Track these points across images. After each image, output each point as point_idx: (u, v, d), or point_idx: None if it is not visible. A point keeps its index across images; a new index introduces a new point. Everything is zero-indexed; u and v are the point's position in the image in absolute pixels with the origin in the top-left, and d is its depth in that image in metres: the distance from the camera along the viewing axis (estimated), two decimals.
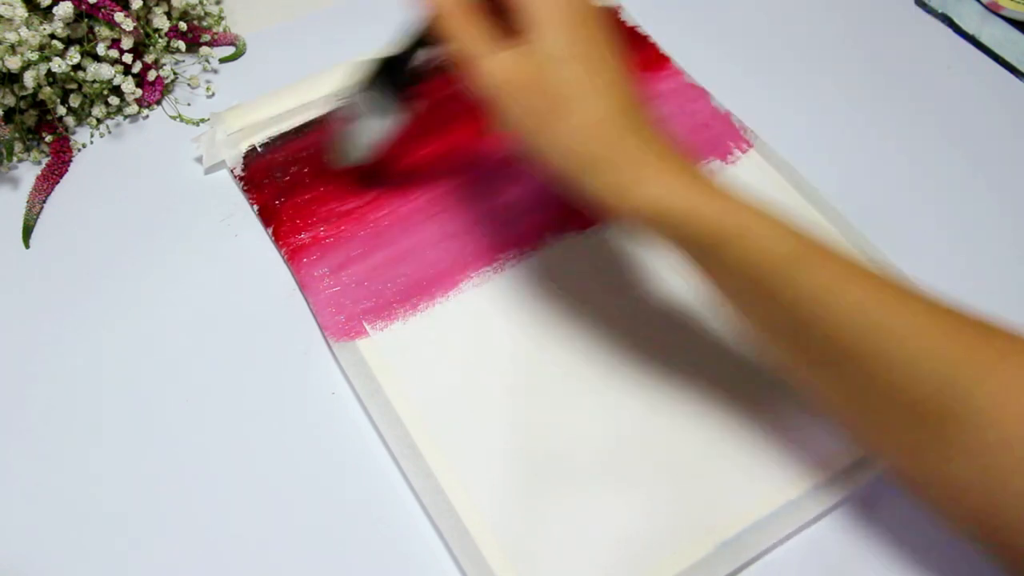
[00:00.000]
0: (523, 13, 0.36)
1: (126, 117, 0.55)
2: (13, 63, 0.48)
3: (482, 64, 0.36)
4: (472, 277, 0.47)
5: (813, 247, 0.34)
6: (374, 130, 0.46)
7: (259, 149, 0.52)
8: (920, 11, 0.62)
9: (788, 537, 0.40)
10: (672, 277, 0.47)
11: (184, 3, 0.56)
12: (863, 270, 0.35)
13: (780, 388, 0.44)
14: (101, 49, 0.52)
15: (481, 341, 0.45)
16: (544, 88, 0.36)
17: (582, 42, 0.36)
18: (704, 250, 0.35)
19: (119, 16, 0.51)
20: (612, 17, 0.59)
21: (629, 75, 0.37)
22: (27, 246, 0.49)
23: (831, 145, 0.54)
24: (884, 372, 0.33)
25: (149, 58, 0.54)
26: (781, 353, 0.38)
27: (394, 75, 0.44)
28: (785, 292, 0.34)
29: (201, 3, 0.58)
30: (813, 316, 0.34)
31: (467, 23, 0.37)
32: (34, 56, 0.49)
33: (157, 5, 0.55)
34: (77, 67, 0.52)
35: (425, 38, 0.42)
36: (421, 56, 0.43)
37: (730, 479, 0.41)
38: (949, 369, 0.33)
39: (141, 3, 0.52)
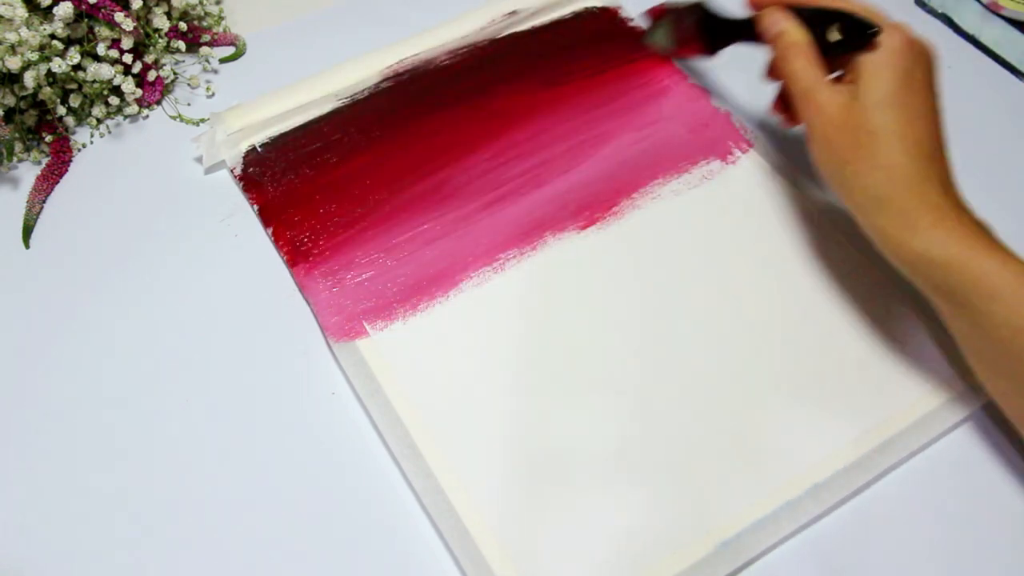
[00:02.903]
0: (860, 61, 0.42)
1: (126, 117, 0.55)
2: (13, 63, 0.48)
3: (819, 97, 0.42)
4: (472, 277, 0.47)
5: None
6: (678, 35, 0.55)
7: (259, 149, 0.52)
8: (920, 11, 0.62)
9: (788, 537, 0.40)
10: (672, 278, 0.47)
11: (184, 3, 0.56)
12: None
13: (780, 388, 0.44)
14: (101, 49, 0.52)
15: (481, 341, 0.45)
16: (861, 128, 0.40)
17: (905, 92, 0.41)
18: (973, 303, 0.37)
19: (119, 16, 0.51)
20: (612, 16, 0.59)
21: (939, 128, 0.42)
22: (27, 246, 0.49)
23: None
24: None
25: (149, 58, 0.54)
26: (1018, 419, 0.39)
27: (705, 22, 0.52)
28: None
29: (201, 3, 0.58)
30: None
31: (813, 60, 0.43)
32: (34, 56, 0.49)
33: (157, 5, 0.55)
34: (77, 67, 0.52)
35: (746, 31, 0.48)
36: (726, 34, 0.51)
37: (730, 479, 0.41)
38: None
39: (141, 3, 0.52)
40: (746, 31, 0.48)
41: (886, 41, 0.41)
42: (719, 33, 0.51)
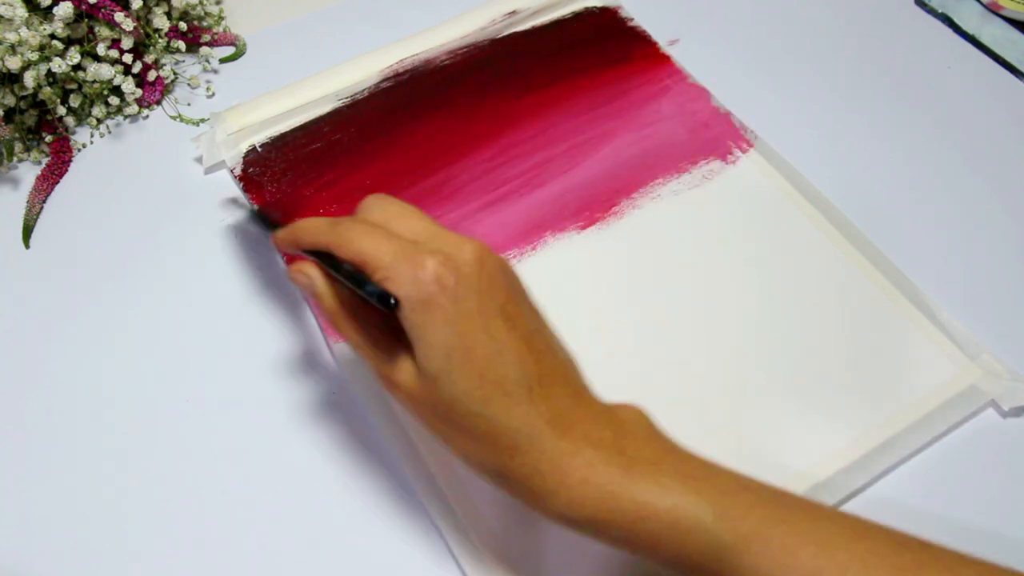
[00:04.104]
0: (405, 329, 0.33)
1: (126, 117, 0.55)
2: (13, 63, 0.48)
3: (383, 373, 0.34)
4: None
5: (750, 522, 0.30)
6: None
7: (259, 149, 0.52)
8: (920, 11, 0.62)
9: None
10: (671, 278, 0.47)
11: (184, 3, 0.56)
12: (808, 540, 0.30)
13: (779, 388, 0.44)
14: (101, 49, 0.52)
15: None
16: (435, 405, 0.32)
17: (462, 338, 0.31)
18: (639, 549, 0.32)
19: (119, 16, 0.51)
20: (612, 16, 0.59)
21: (534, 337, 0.33)
22: (27, 246, 0.49)
23: (831, 145, 0.54)
24: None
25: (149, 58, 0.54)
26: None
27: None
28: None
29: (201, 3, 0.58)
30: None
31: (359, 329, 0.35)
32: (34, 56, 0.49)
33: (157, 5, 0.55)
34: (77, 67, 0.52)
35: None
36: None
37: None
38: None
39: (141, 3, 0.52)
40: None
41: (414, 294, 0.31)
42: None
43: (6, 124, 0.51)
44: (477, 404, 0.31)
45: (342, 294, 0.35)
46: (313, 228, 0.35)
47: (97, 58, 0.52)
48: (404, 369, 0.33)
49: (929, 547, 0.31)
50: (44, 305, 0.47)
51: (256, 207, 0.42)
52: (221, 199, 0.50)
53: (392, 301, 0.31)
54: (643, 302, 0.47)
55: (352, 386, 0.44)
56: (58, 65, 0.50)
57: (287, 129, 0.53)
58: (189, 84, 0.57)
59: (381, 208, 0.35)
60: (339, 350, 0.44)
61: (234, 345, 0.45)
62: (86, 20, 0.52)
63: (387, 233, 0.33)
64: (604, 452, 0.32)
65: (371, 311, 0.34)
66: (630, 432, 0.33)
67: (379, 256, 0.32)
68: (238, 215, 0.43)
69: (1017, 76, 0.58)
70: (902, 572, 0.29)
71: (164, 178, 0.52)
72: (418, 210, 0.34)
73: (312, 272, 0.35)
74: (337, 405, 0.43)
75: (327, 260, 0.35)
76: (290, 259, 0.48)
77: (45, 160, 0.52)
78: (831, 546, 0.30)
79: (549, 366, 0.33)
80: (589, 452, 0.31)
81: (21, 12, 0.48)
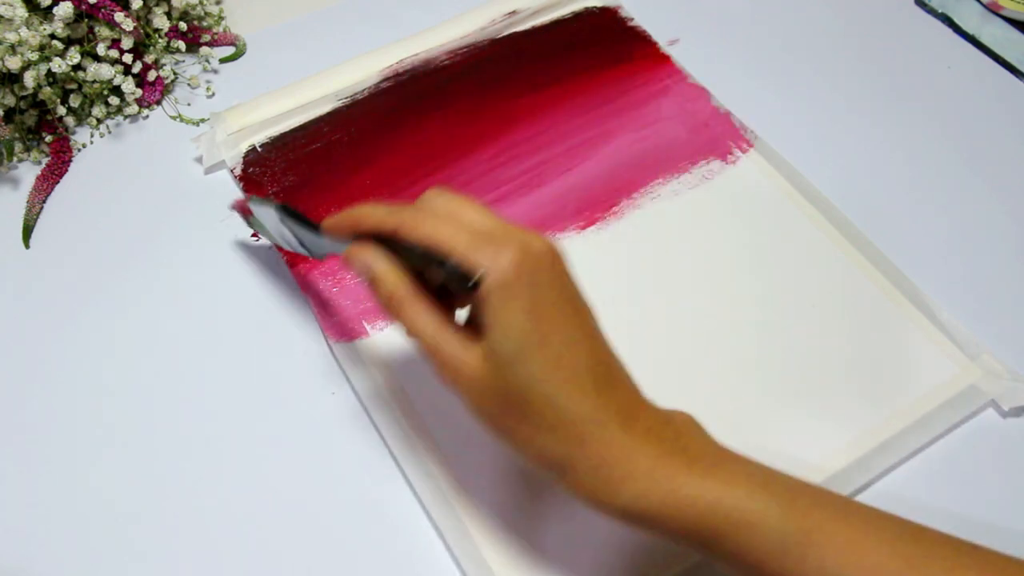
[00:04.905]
0: (477, 309, 0.33)
1: (126, 117, 0.55)
2: (13, 63, 0.48)
3: (450, 361, 0.33)
4: None
5: (813, 518, 0.31)
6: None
7: (259, 149, 0.52)
8: (920, 11, 0.62)
9: None
10: (671, 278, 0.47)
11: (184, 3, 0.56)
12: (869, 536, 0.31)
13: (779, 388, 0.44)
14: (101, 49, 0.52)
15: None
16: (502, 391, 0.32)
17: (538, 328, 0.31)
18: (700, 543, 0.32)
19: (119, 16, 0.51)
20: (612, 16, 0.59)
21: (594, 335, 0.33)
22: (27, 246, 0.49)
23: (831, 145, 0.54)
24: None
25: (149, 58, 0.54)
26: None
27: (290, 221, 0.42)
28: (791, 573, 0.31)
29: (201, 3, 0.58)
30: None
31: (424, 310, 0.34)
32: (34, 56, 0.49)
33: (157, 5, 0.55)
34: (77, 67, 0.52)
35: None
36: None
37: None
38: None
39: (141, 3, 0.52)
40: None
41: (494, 278, 0.31)
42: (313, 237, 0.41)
43: (6, 124, 0.51)
44: (550, 389, 0.31)
45: (403, 279, 0.34)
46: (375, 212, 0.35)
47: (97, 58, 0.52)
48: (469, 354, 0.33)
49: (982, 550, 0.31)
50: (44, 305, 0.47)
51: (281, 203, 0.42)
52: (228, 205, 0.49)
53: (473, 282, 0.31)
54: (643, 302, 0.47)
55: (352, 386, 0.44)
56: (58, 65, 0.50)
57: (287, 129, 0.53)
58: (189, 84, 0.57)
59: (447, 199, 0.34)
60: (339, 350, 0.44)
61: (234, 345, 0.45)
62: (86, 20, 0.52)
63: (458, 221, 0.33)
64: (669, 447, 0.32)
65: (430, 298, 0.34)
66: (686, 434, 0.33)
67: (454, 240, 0.32)
68: (263, 211, 0.43)
69: (1017, 76, 0.58)
70: (962, 569, 0.30)
71: (164, 178, 0.52)
72: (483, 205, 0.34)
73: (372, 255, 0.35)
74: (337, 405, 0.43)
75: (388, 246, 0.34)
76: (291, 260, 0.48)
77: (45, 160, 0.52)
78: (892, 543, 0.31)
79: (614, 363, 0.34)
80: (655, 446, 0.32)
81: (21, 12, 0.48)
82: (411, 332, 0.34)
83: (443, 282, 0.34)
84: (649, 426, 0.33)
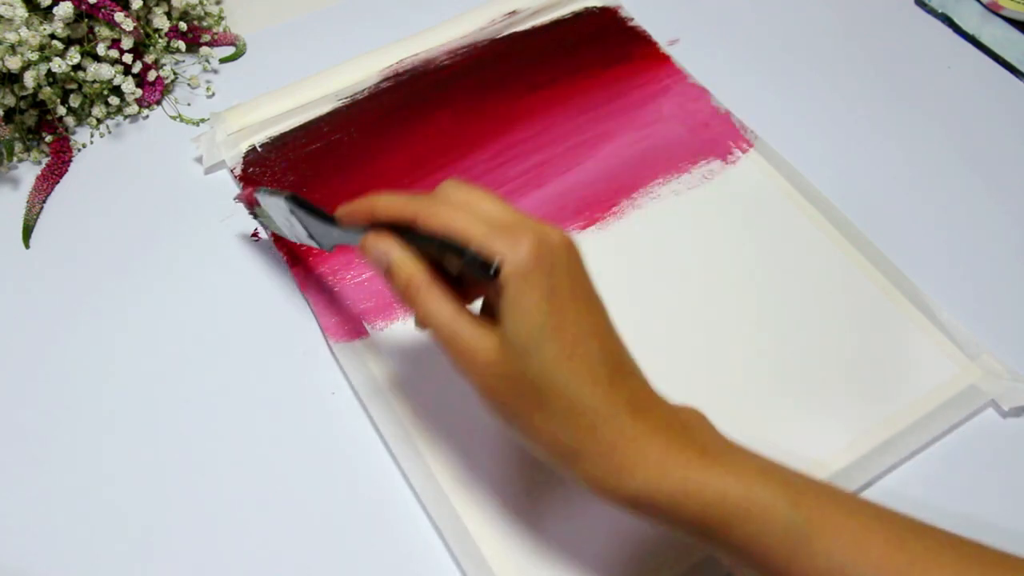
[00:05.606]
0: (493, 296, 0.33)
1: (126, 117, 0.55)
2: (13, 63, 0.48)
3: (465, 346, 0.33)
4: None
5: (821, 511, 0.31)
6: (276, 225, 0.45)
7: (259, 149, 0.52)
8: (920, 11, 0.62)
9: None
10: (671, 278, 0.47)
11: (184, 3, 0.56)
12: (877, 531, 0.31)
13: (779, 388, 0.44)
14: (101, 49, 0.52)
15: None
16: (516, 378, 0.32)
17: (555, 316, 0.32)
18: (707, 533, 0.32)
19: (119, 16, 0.51)
20: (612, 16, 0.59)
21: (608, 331, 0.34)
22: (27, 246, 0.49)
23: (831, 145, 0.54)
24: None
25: (149, 58, 0.54)
26: None
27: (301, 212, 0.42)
28: (798, 565, 0.31)
29: (201, 3, 0.58)
30: None
31: (441, 296, 0.34)
32: (34, 56, 0.49)
33: (157, 5, 0.55)
34: (77, 67, 0.52)
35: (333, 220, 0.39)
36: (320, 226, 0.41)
37: None
38: None
39: (141, 3, 0.52)
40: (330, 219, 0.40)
41: (512, 266, 0.32)
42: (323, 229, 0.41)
43: (6, 124, 0.51)
44: (563, 378, 0.32)
45: (420, 267, 0.35)
46: (393, 201, 0.36)
47: (97, 58, 0.52)
48: (485, 341, 0.33)
49: (986, 548, 0.32)
50: (44, 305, 0.47)
51: (291, 193, 0.42)
52: (233, 197, 0.49)
53: (492, 270, 0.32)
54: (643, 302, 0.47)
55: (352, 386, 0.44)
56: (58, 65, 0.50)
57: (287, 129, 0.53)
58: (189, 84, 0.57)
59: (464, 190, 0.35)
60: (339, 350, 0.44)
61: (234, 345, 0.45)
62: (86, 20, 0.52)
63: (475, 211, 0.33)
64: (678, 439, 0.33)
65: (447, 286, 0.34)
66: (696, 427, 0.34)
67: (472, 230, 0.32)
68: (271, 201, 0.43)
69: (1017, 76, 0.58)
70: (967, 566, 0.31)
71: (164, 178, 0.52)
72: (499, 196, 0.35)
73: (390, 243, 0.35)
74: (337, 405, 0.43)
75: (403, 235, 0.35)
76: (291, 260, 0.48)
77: (45, 160, 0.52)
78: (899, 538, 0.31)
79: (626, 356, 0.34)
80: (665, 437, 0.32)
81: (21, 12, 0.48)
82: (427, 320, 0.34)
83: (457, 273, 0.35)
84: (659, 417, 0.33)
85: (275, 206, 0.43)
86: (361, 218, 0.37)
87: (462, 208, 0.34)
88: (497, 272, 0.32)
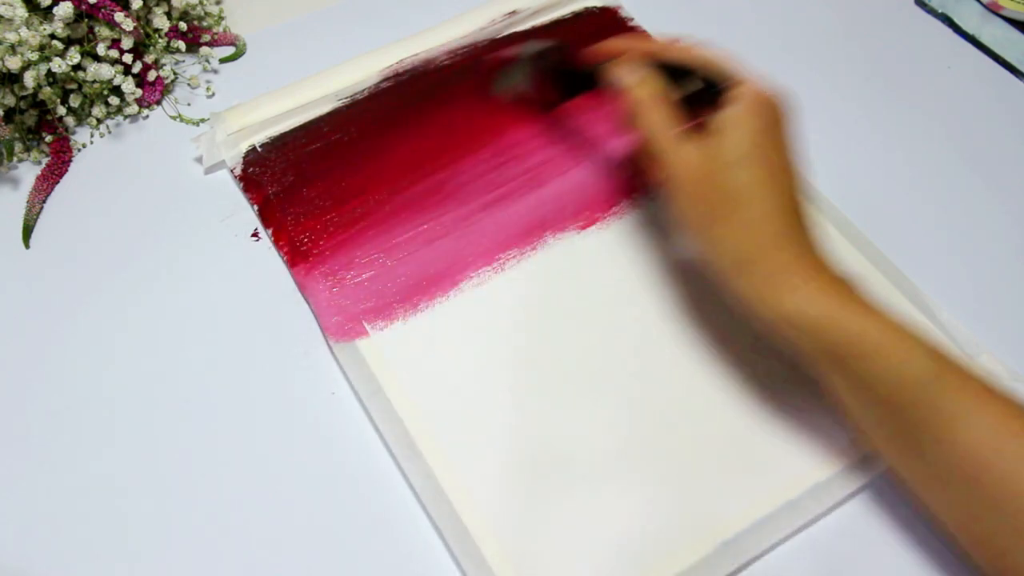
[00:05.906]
0: (717, 117, 0.40)
1: (126, 117, 0.55)
2: (13, 63, 0.48)
3: (677, 155, 0.40)
4: (472, 277, 0.47)
5: (951, 368, 0.35)
6: (534, 77, 0.51)
7: (259, 149, 0.52)
8: (920, 11, 0.62)
9: (788, 537, 0.40)
10: (672, 278, 0.47)
11: (184, 3, 0.56)
12: (998, 395, 0.35)
13: (780, 389, 0.44)
14: (101, 49, 0.52)
15: (481, 341, 0.45)
16: (717, 187, 0.39)
17: (765, 147, 0.39)
18: (843, 362, 0.36)
19: (119, 16, 0.51)
20: (612, 16, 0.59)
21: (799, 183, 0.40)
22: (27, 246, 0.49)
23: (831, 145, 0.54)
24: (1011, 499, 0.33)
25: (149, 58, 0.54)
26: (902, 469, 0.38)
27: (554, 67, 0.50)
28: (919, 410, 0.35)
29: (201, 3, 0.58)
30: (945, 437, 0.35)
31: (668, 114, 0.41)
32: (34, 56, 0.49)
33: (157, 5, 0.55)
34: (77, 67, 0.52)
35: (594, 76, 0.46)
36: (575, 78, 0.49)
37: (730, 479, 0.41)
38: None
39: (141, 3, 0.52)
40: (594, 81, 0.46)
41: (742, 96, 0.40)
42: (570, 81, 0.50)
43: (6, 124, 0.51)
44: (761, 194, 0.38)
45: (654, 87, 0.42)
46: (642, 43, 0.45)
47: (97, 58, 0.52)
48: (695, 153, 0.39)
49: None
50: (44, 305, 0.47)
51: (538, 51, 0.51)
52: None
53: (726, 85, 0.40)
54: (643, 302, 0.47)
55: (352, 386, 0.44)
56: (58, 65, 0.50)
57: (287, 129, 0.53)
58: (189, 84, 0.57)
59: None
60: (339, 350, 0.44)
61: (234, 345, 0.45)
62: (86, 20, 0.52)
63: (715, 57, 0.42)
64: (840, 283, 0.38)
65: (671, 107, 0.41)
66: (853, 282, 0.38)
67: (720, 63, 0.41)
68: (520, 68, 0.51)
69: (1017, 76, 0.58)
70: None
71: (164, 178, 0.52)
72: None
73: (633, 66, 0.43)
74: (337, 405, 0.43)
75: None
76: (291, 260, 0.48)
77: (45, 160, 0.52)
78: (1021, 408, 0.35)
79: (807, 217, 0.39)
80: (830, 275, 0.38)
81: (21, 12, 0.48)
82: (651, 131, 0.41)
83: (692, 93, 0.42)
84: (826, 261, 0.38)
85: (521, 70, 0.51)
86: (604, 55, 0.45)
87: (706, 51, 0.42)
88: (728, 89, 0.40)
